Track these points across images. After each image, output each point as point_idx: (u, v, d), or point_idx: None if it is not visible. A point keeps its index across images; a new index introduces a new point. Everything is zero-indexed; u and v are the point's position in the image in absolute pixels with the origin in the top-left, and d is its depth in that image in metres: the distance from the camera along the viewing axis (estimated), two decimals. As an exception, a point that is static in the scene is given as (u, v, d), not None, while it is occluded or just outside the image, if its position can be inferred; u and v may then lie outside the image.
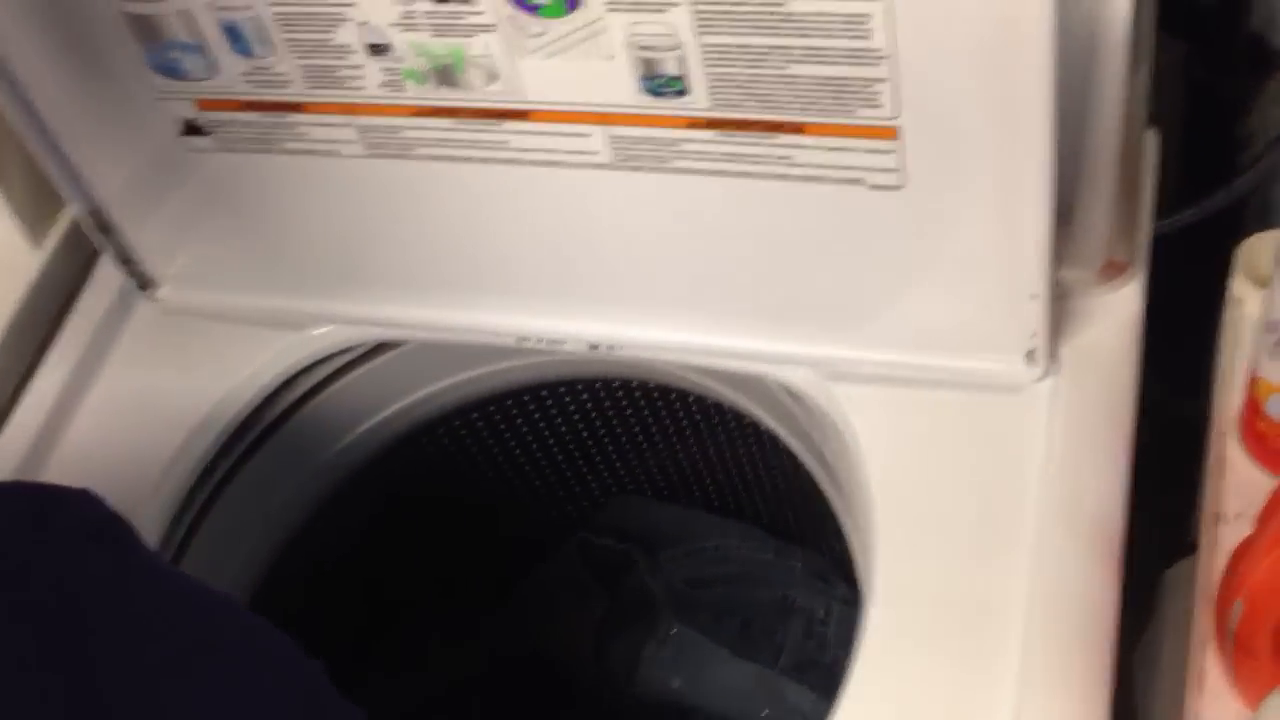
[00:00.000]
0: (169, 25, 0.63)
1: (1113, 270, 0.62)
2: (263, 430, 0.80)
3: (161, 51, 0.65)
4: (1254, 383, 0.60)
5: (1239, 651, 0.54)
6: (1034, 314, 0.60)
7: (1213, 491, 0.61)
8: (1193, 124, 0.89)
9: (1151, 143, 0.65)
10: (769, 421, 0.78)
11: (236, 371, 0.78)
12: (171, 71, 0.66)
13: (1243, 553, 0.55)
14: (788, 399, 0.73)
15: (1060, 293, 0.62)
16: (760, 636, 0.94)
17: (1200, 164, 0.90)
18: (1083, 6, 0.53)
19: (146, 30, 0.64)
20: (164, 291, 0.78)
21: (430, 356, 0.83)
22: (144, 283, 0.78)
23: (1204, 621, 0.57)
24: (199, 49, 0.64)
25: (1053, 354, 0.64)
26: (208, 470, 0.77)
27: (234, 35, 0.63)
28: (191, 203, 0.74)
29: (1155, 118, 0.68)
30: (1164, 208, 0.73)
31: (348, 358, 0.81)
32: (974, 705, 0.56)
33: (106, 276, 0.81)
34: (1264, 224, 0.94)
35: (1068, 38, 0.52)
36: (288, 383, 0.80)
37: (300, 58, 0.63)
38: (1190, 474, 0.66)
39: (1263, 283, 0.65)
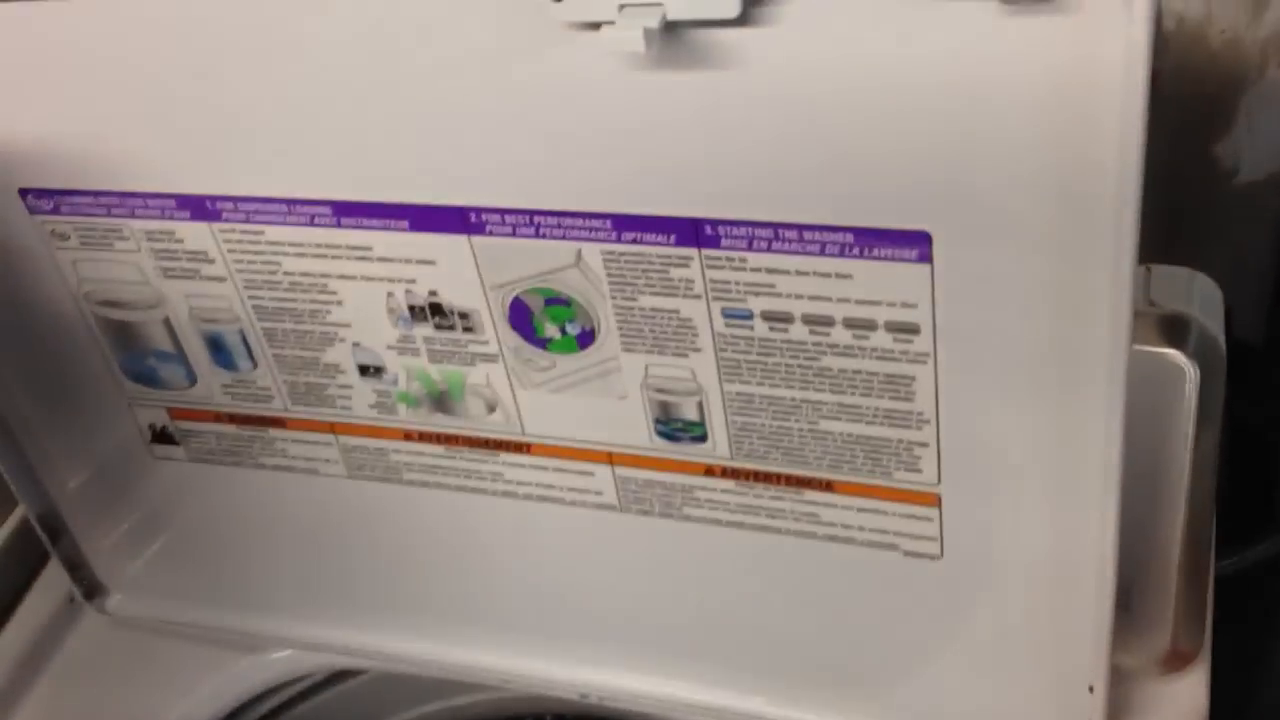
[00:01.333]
0: (149, 334, 0.59)
1: (1176, 660, 0.55)
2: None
3: (138, 359, 0.60)
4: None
5: None
6: (1090, 709, 0.53)
7: None
8: (1234, 463, 0.85)
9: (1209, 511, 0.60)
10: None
11: (187, 694, 0.70)
12: (146, 379, 0.61)
13: None
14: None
15: (1115, 678, 0.55)
16: None
17: (1241, 507, 0.85)
18: (1148, 375, 0.49)
19: (124, 337, 0.59)
20: (114, 601, 0.71)
21: (398, 685, 0.75)
22: (92, 591, 0.71)
23: None
24: (178, 359, 0.59)
25: (1106, 747, 0.56)
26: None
27: (216, 347, 0.58)
28: (152, 511, 0.67)
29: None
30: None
31: (307, 684, 0.73)
32: None
33: (55, 579, 0.74)
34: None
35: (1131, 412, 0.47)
36: (241, 708, 0.72)
37: (286, 374, 0.58)
38: None
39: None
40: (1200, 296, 0.56)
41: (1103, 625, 0.51)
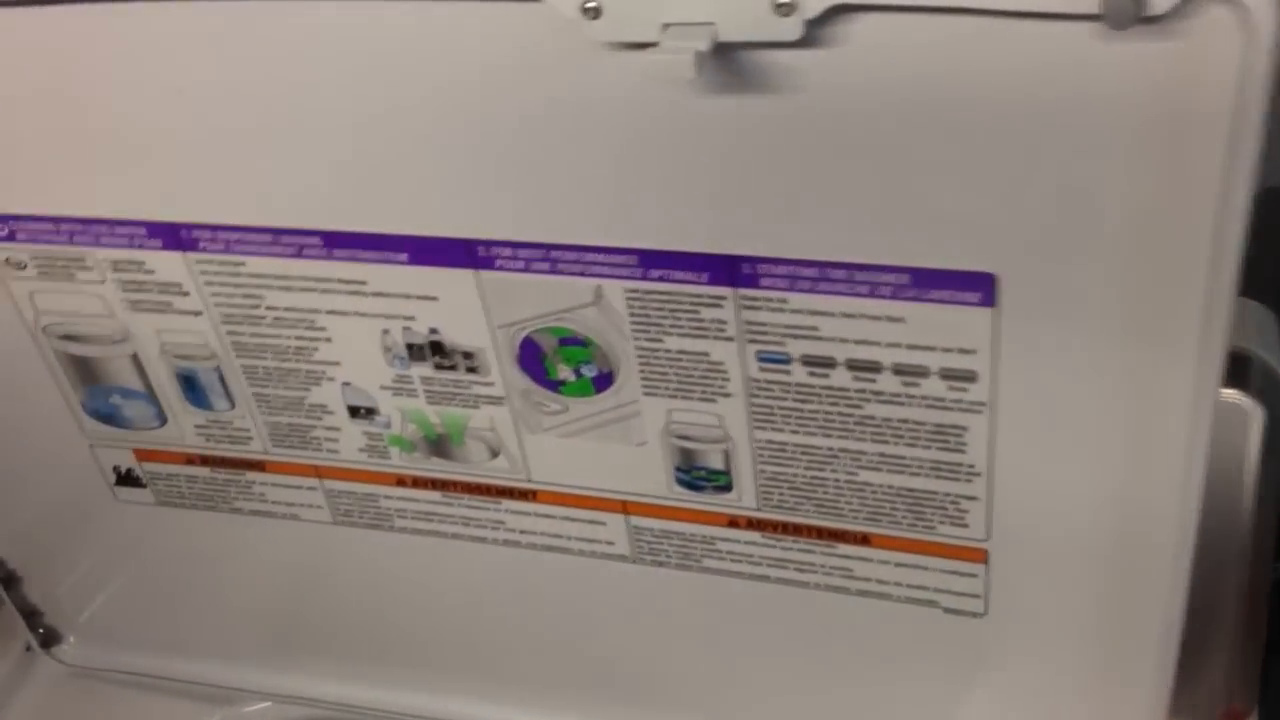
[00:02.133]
0: (114, 371, 0.53)
1: (1230, 719, 0.52)
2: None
3: (101, 397, 0.55)
4: None
5: None
6: (1144, 776, 0.50)
7: None
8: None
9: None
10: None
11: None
12: (111, 419, 0.56)
13: None
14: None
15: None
16: None
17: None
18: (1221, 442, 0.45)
19: (86, 374, 0.54)
20: (72, 650, 0.66)
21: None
22: (49, 639, 0.65)
23: None
24: (146, 397, 0.54)
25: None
26: None
27: (189, 385, 0.53)
28: (115, 556, 0.62)
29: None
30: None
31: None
32: None
33: (9, 626, 0.68)
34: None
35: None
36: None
37: (267, 414, 0.53)
38: None
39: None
40: (1257, 328, 0.53)
41: (1162, 691, 0.47)
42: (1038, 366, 0.42)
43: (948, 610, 0.50)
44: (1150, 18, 0.32)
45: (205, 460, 0.56)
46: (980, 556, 0.48)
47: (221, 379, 0.52)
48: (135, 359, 0.53)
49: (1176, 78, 0.33)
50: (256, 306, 0.50)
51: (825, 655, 0.54)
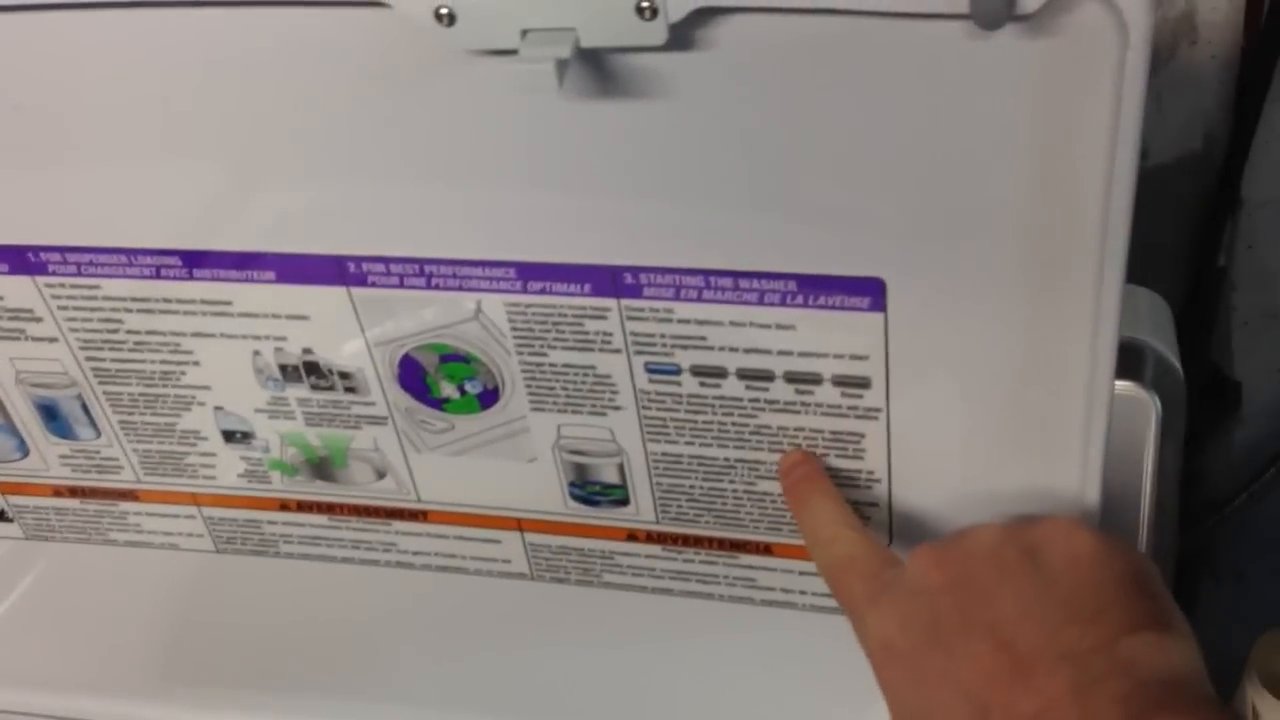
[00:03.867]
0: (-35, 402, 0.50)
1: None
2: None
3: (-45, 431, 0.52)
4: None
5: None
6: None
7: None
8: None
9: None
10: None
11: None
12: (-33, 453, 0.52)
13: None
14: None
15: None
16: None
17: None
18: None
19: (-64, 407, 0.51)
20: (-52, 692, 0.63)
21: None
22: (-78, 682, 0.62)
23: None
24: (5, 428, 0.51)
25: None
26: None
27: (50, 415, 0.50)
28: (-13, 593, 0.59)
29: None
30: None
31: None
32: None
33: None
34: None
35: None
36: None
37: (136, 442, 0.50)
38: None
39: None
40: (1149, 316, 0.52)
41: (1069, 689, 0.47)
42: (931, 370, 0.41)
43: (854, 616, 0.49)
44: (1021, 16, 0.30)
45: (74, 491, 0.53)
46: (884, 562, 0.47)
47: (84, 407, 0.49)
48: (-10, 390, 0.50)
49: (1053, 74, 0.32)
50: (116, 331, 0.47)
51: (732, 666, 0.52)
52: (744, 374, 0.42)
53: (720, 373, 0.43)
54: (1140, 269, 0.57)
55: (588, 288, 0.41)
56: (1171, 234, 0.80)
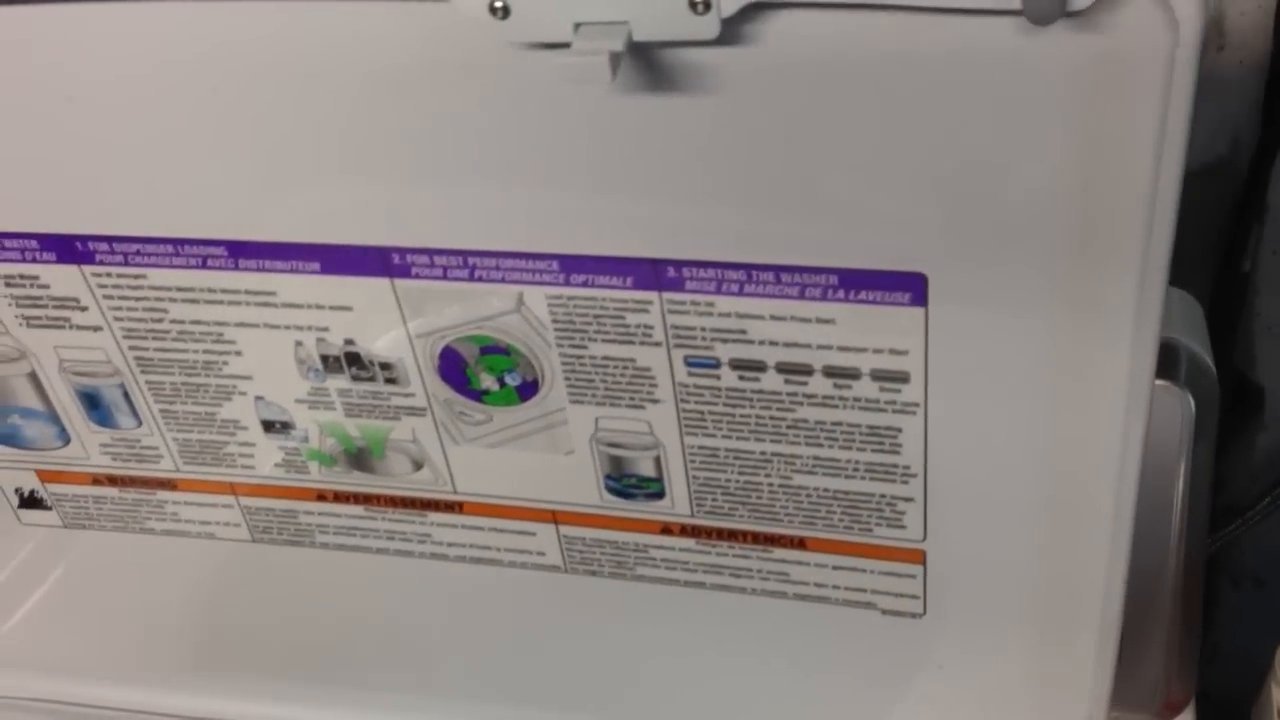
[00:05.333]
0: (11, 390, 0.51)
1: (1168, 710, 0.52)
2: None
3: (-2, 417, 0.52)
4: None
5: None
6: (1085, 771, 0.49)
7: None
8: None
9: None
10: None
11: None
12: (9, 439, 0.53)
13: None
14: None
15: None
16: None
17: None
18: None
19: (-19, 394, 0.52)
20: (-19, 679, 0.63)
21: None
22: (-46, 668, 0.63)
23: None
24: (47, 416, 0.52)
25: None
26: None
27: (92, 404, 0.51)
28: (22, 580, 0.59)
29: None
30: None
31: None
32: None
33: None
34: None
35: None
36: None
37: (177, 431, 0.51)
38: None
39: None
40: (1182, 316, 0.52)
41: (1103, 684, 0.47)
42: (970, 366, 0.41)
43: (886, 612, 0.49)
44: (1073, 13, 0.31)
45: (113, 480, 0.54)
46: (918, 558, 0.47)
47: (126, 396, 0.50)
48: (33, 377, 0.50)
49: (1103, 71, 0.32)
50: (160, 320, 0.47)
51: (764, 660, 0.52)
52: (783, 368, 0.43)
53: (760, 366, 0.43)
54: (1184, 277, 0.57)
55: (630, 281, 0.42)
56: (1196, 239, 0.81)
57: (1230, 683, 0.70)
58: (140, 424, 0.51)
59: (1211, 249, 0.79)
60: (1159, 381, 0.48)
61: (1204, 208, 0.78)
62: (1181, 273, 0.80)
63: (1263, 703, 0.60)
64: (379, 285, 0.44)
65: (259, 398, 0.49)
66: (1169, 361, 0.49)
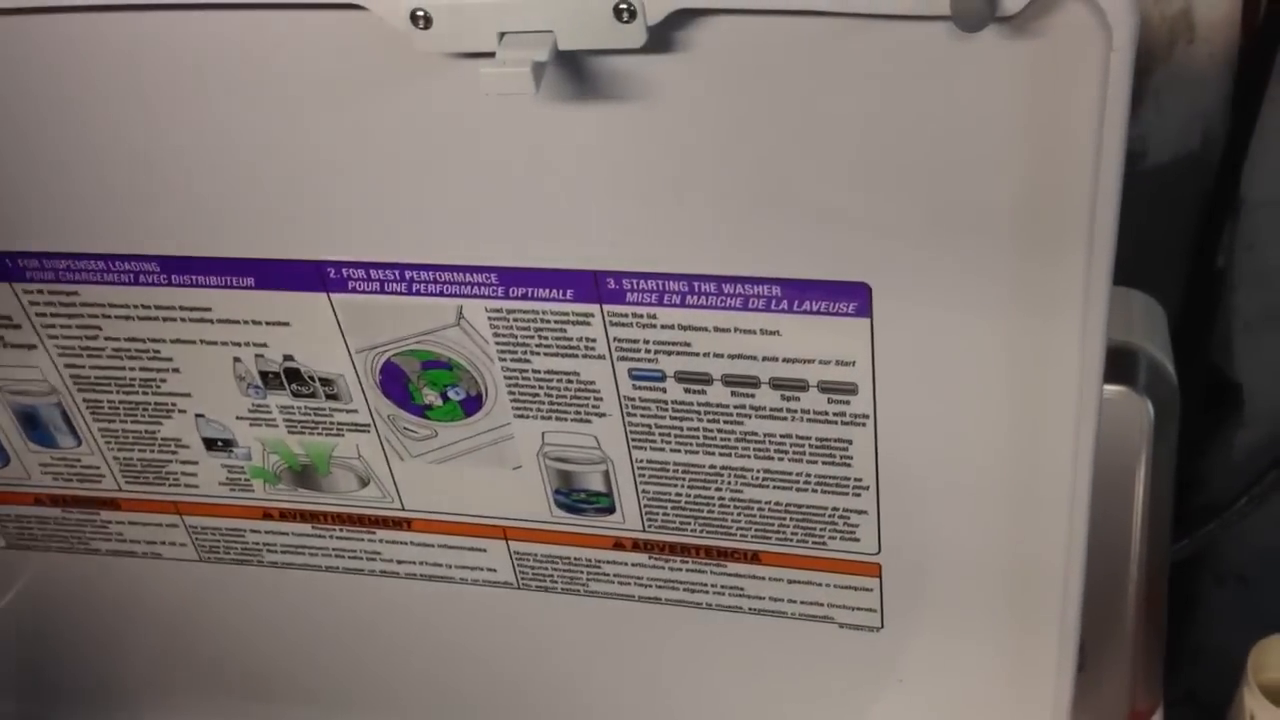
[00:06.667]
0: (-56, 411, 0.50)
1: (1135, 718, 0.51)
2: None
3: (-66, 439, 0.51)
4: None
5: None
6: (1048, 783, 0.48)
7: None
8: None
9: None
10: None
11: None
12: (-54, 461, 0.52)
13: None
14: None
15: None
16: None
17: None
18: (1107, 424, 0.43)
19: (-86, 416, 0.50)
20: (-69, 702, 0.62)
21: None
22: (-95, 692, 0.62)
23: None
24: (-16, 437, 0.51)
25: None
26: None
27: (30, 423, 0.49)
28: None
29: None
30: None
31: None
32: None
33: None
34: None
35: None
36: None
37: (117, 450, 0.50)
38: None
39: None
40: (1143, 319, 0.51)
41: (1063, 695, 0.46)
42: (919, 376, 0.40)
43: (843, 625, 0.48)
44: (1003, 17, 0.30)
45: (55, 500, 0.52)
46: (873, 570, 0.46)
47: (65, 415, 0.49)
48: (-31, 398, 0.49)
49: (1039, 75, 0.32)
50: (95, 338, 0.46)
51: (722, 675, 0.52)
52: (729, 380, 0.42)
53: (705, 379, 0.42)
54: (1138, 270, 0.56)
55: (570, 293, 0.41)
56: (1170, 234, 0.80)
57: (1215, 681, 0.69)
58: (80, 443, 0.50)
59: (1185, 245, 0.79)
60: (1117, 387, 0.47)
61: (1176, 203, 0.77)
62: (1154, 269, 0.79)
63: (1236, 705, 0.59)
64: (316, 300, 0.43)
65: (199, 415, 0.48)
66: (1127, 366, 0.48)
